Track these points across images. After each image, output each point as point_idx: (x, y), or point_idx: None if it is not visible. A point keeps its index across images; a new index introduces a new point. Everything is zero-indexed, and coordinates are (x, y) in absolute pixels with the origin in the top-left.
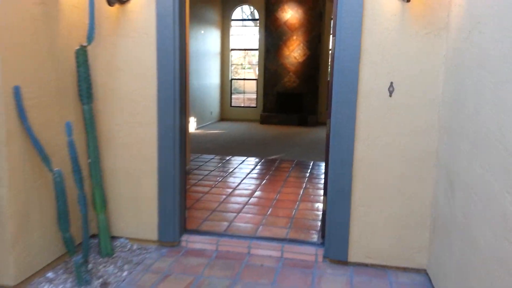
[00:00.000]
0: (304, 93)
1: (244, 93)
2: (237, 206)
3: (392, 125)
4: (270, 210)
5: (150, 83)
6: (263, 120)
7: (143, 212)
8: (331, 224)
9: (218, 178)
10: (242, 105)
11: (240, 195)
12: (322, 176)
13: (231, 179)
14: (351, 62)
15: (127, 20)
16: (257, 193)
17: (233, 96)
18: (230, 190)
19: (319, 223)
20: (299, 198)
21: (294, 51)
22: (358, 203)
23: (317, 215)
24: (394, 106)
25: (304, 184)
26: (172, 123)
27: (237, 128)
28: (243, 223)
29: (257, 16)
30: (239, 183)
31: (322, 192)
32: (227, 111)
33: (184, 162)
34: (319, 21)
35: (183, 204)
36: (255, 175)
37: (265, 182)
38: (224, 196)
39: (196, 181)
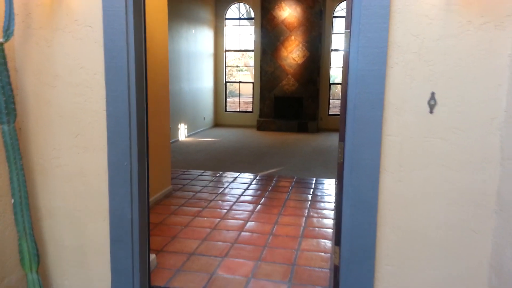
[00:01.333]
0: (303, 97)
1: (239, 96)
2: (223, 245)
3: (434, 153)
4: (264, 251)
5: (96, 93)
6: (260, 126)
7: (91, 268)
8: (346, 286)
9: (204, 203)
10: (238, 110)
11: (229, 228)
12: (327, 199)
13: (219, 203)
14: (374, 63)
15: (65, 8)
16: (250, 225)
17: (228, 100)
18: (217, 221)
19: (328, 273)
20: (301, 233)
21: (293, 52)
22: (385, 261)
23: (325, 260)
24: (436, 127)
25: (307, 210)
26: (127, 147)
27: (232, 135)
28: (230, 274)
29: (252, 15)
30: (229, 209)
31: (329, 222)
32: (222, 117)
33: (146, 197)
34: (319, 20)
35: (144, 255)
36: (248, 197)
37: (259, 208)
38: (208, 230)
39: (177, 207)
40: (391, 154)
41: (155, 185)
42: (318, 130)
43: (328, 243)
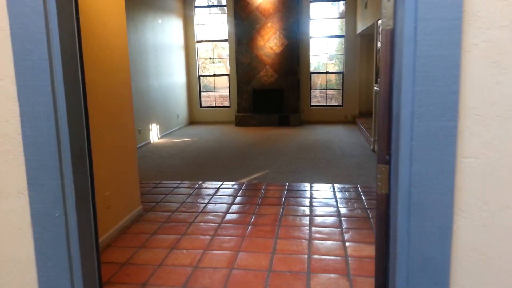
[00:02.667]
0: (283, 89)
1: (215, 90)
2: None
3: None
4: None
5: (5, 109)
6: (239, 122)
7: None
8: None
9: (182, 227)
10: (214, 105)
11: (215, 265)
12: (327, 211)
13: (201, 227)
14: (441, 45)
15: None
16: (241, 257)
17: (203, 94)
18: (199, 254)
19: None
20: (307, 265)
21: (270, 41)
22: None
23: None
24: None
25: (307, 230)
26: (58, 188)
27: (209, 133)
28: None
29: (224, 2)
30: (213, 235)
31: (335, 246)
32: (197, 113)
33: (94, 261)
34: (296, 5)
35: None
36: (235, 216)
37: (250, 230)
38: (189, 270)
39: (148, 236)
40: (470, 186)
41: (120, 208)
42: (301, 123)
43: (345, 282)
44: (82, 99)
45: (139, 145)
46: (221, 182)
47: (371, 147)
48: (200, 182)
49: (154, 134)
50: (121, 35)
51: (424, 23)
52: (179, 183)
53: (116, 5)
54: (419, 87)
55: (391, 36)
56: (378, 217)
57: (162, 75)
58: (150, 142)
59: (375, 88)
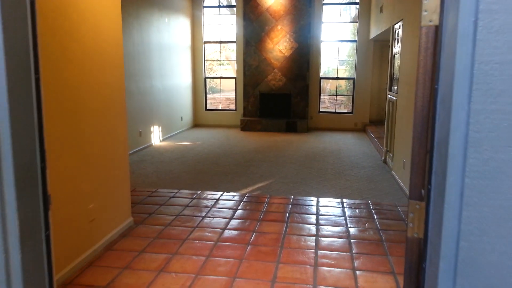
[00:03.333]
0: (292, 94)
1: (221, 93)
2: None
3: None
4: None
5: None
6: (244, 127)
7: None
8: None
9: (173, 245)
10: (219, 108)
11: None
12: (336, 230)
13: (195, 245)
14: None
15: None
16: (238, 284)
17: (208, 97)
18: (190, 279)
19: None
20: None
21: (279, 44)
22: None
23: None
24: None
25: (313, 253)
26: None
27: (213, 137)
28: None
29: (234, 3)
30: (208, 256)
31: (346, 275)
32: (202, 116)
33: None
34: (307, 8)
35: None
36: (234, 233)
37: (249, 251)
38: None
39: (135, 254)
40: None
41: (106, 222)
42: (308, 129)
43: None
44: (35, 103)
45: (139, 148)
46: (221, 193)
47: (382, 158)
48: (199, 192)
49: (156, 137)
50: (115, 36)
51: (489, 17)
52: (177, 192)
53: (112, 6)
54: (477, 105)
55: (435, 35)
56: (407, 267)
57: (167, 75)
58: (151, 145)
59: (389, 96)
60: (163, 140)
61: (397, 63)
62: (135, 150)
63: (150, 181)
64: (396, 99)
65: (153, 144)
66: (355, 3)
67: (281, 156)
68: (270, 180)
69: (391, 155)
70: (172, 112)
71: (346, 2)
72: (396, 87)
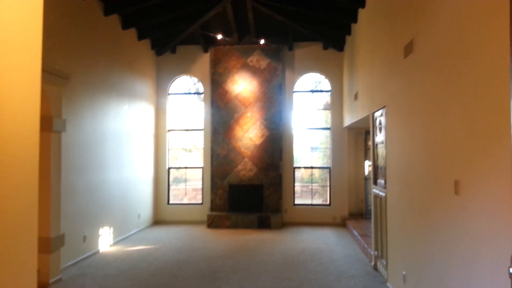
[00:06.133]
0: (264, 185)
1: (186, 183)
2: None
3: None
4: None
5: None
6: (211, 223)
7: None
8: None
9: None
10: (184, 202)
11: None
12: None
13: None
14: None
15: None
16: None
17: (172, 187)
18: None
19: None
20: None
21: (249, 131)
22: None
23: None
24: None
25: None
26: None
27: (175, 237)
28: None
29: (201, 90)
30: None
31: None
32: (164, 211)
33: None
34: (278, 95)
35: None
36: None
37: None
38: None
39: None
40: None
41: None
42: (283, 225)
43: None
44: None
45: (81, 258)
46: None
47: (372, 263)
48: None
49: (105, 241)
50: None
51: None
52: None
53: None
54: None
55: None
56: None
57: (124, 166)
58: (98, 252)
59: (375, 191)
60: (114, 244)
61: (381, 152)
62: (76, 260)
63: None
64: (386, 195)
65: (101, 251)
66: (327, 91)
67: (254, 264)
68: None
69: (384, 263)
70: (127, 209)
71: (318, 89)
72: (383, 181)
